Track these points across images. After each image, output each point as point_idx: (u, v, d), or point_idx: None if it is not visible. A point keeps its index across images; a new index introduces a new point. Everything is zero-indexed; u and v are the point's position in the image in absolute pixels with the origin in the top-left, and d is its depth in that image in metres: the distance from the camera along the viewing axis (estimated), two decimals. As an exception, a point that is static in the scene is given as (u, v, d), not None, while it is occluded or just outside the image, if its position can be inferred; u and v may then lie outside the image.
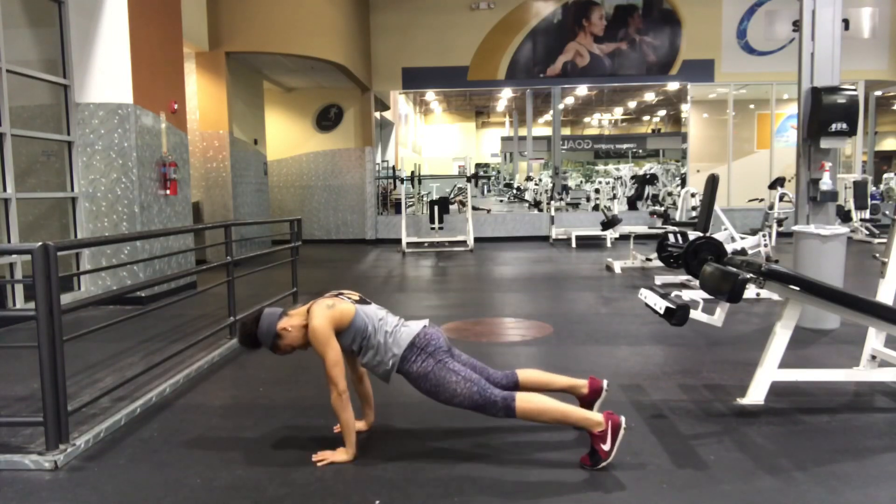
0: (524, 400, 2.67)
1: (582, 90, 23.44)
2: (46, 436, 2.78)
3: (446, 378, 2.70)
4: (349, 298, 2.85)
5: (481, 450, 2.85)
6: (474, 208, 15.53)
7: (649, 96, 26.35)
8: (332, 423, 3.13)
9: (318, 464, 2.70)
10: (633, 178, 17.48)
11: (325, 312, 2.73)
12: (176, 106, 7.24)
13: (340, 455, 2.74)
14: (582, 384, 3.00)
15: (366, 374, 3.08)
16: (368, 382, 3.10)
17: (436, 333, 2.83)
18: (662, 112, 31.78)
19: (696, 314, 3.47)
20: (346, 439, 2.75)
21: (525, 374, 2.96)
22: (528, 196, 18.54)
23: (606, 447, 2.58)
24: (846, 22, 5.41)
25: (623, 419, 2.62)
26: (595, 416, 2.63)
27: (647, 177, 16.23)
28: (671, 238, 7.75)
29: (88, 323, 3.84)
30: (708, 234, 6.69)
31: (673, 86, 15.94)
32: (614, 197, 13.69)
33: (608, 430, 2.58)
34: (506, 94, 25.60)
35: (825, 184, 5.23)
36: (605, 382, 3.01)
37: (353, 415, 2.76)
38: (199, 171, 9.95)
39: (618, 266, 8.44)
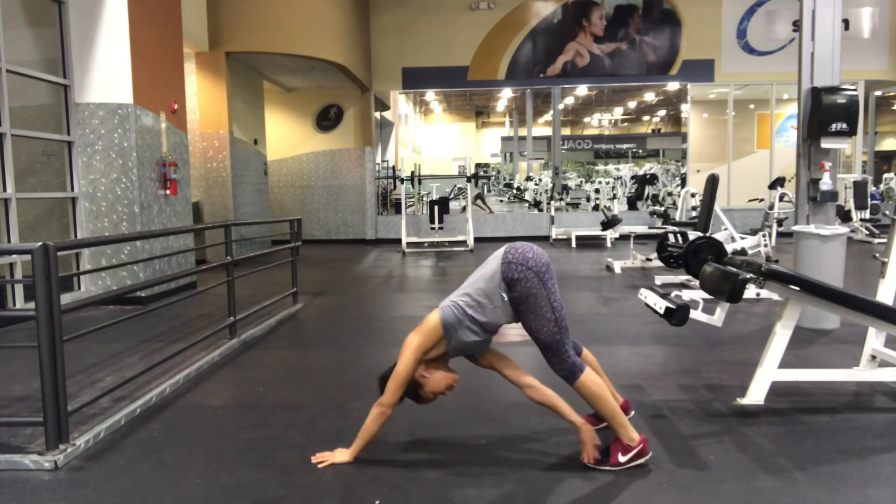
0: (590, 379, 2.65)
1: (582, 90, 23.46)
2: (46, 436, 2.78)
3: (543, 311, 2.59)
4: None
5: (481, 450, 2.85)
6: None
7: (649, 96, 26.36)
8: (332, 422, 3.14)
9: (319, 465, 2.70)
10: (633, 178, 17.49)
11: (411, 335, 2.66)
12: (176, 106, 7.24)
13: (340, 456, 2.73)
14: (616, 397, 3.03)
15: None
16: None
17: (528, 246, 2.68)
18: (662, 112, 31.80)
19: (696, 314, 3.47)
20: (357, 441, 2.71)
21: (586, 352, 2.99)
22: (528, 196, 18.55)
23: (622, 459, 2.61)
24: (846, 22, 5.43)
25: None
26: (634, 432, 2.66)
27: (647, 177, 16.23)
28: (671, 238, 7.74)
29: (88, 323, 3.85)
30: (708, 234, 6.69)
31: (673, 86, 15.95)
32: (614, 197, 13.69)
33: (636, 449, 2.62)
34: (506, 94, 25.61)
35: (825, 184, 5.23)
36: (632, 413, 3.12)
37: (378, 429, 2.69)
38: (199, 171, 9.96)
39: (618, 266, 8.44)
